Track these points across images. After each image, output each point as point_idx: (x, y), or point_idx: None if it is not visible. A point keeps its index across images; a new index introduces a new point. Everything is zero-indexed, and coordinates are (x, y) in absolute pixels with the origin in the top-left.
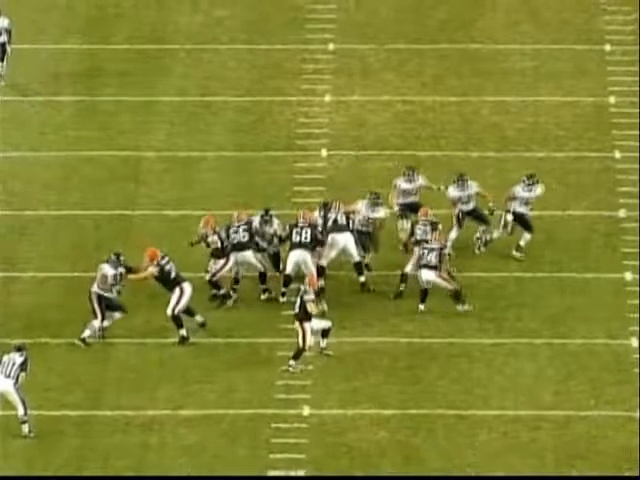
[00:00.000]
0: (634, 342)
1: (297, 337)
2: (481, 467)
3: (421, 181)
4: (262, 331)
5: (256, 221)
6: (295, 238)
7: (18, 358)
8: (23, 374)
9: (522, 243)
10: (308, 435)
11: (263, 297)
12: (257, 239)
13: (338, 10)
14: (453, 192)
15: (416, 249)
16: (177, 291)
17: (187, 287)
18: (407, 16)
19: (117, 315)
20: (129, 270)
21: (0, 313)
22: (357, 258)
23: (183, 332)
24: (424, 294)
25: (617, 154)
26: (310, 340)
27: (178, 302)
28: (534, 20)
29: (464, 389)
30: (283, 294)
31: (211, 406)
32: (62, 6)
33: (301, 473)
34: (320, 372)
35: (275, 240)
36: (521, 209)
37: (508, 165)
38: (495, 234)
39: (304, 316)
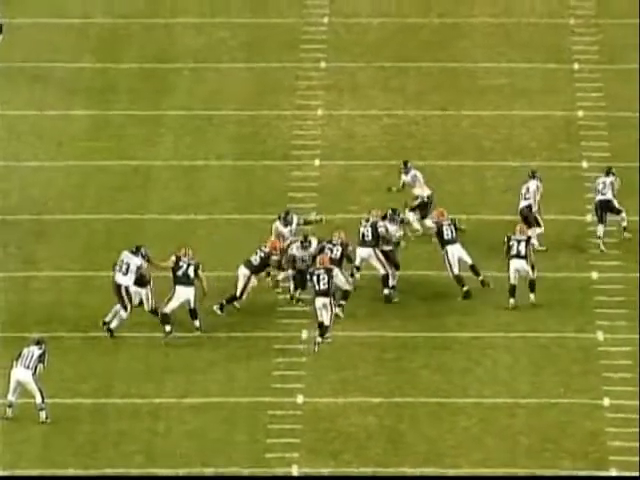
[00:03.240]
0: (600, 336)
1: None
2: (461, 450)
3: (414, 172)
4: (260, 326)
5: (294, 248)
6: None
7: (37, 351)
8: (41, 365)
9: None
10: (302, 421)
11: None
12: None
13: (329, 32)
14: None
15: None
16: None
17: (181, 291)
18: (392, 37)
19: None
20: (149, 261)
21: (20, 309)
22: (382, 271)
23: (168, 328)
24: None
25: (585, 164)
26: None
27: (168, 301)
28: (508, 41)
29: (445, 379)
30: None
31: (213, 394)
32: (77, 28)
33: (295, 455)
34: (313, 363)
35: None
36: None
37: (485, 173)
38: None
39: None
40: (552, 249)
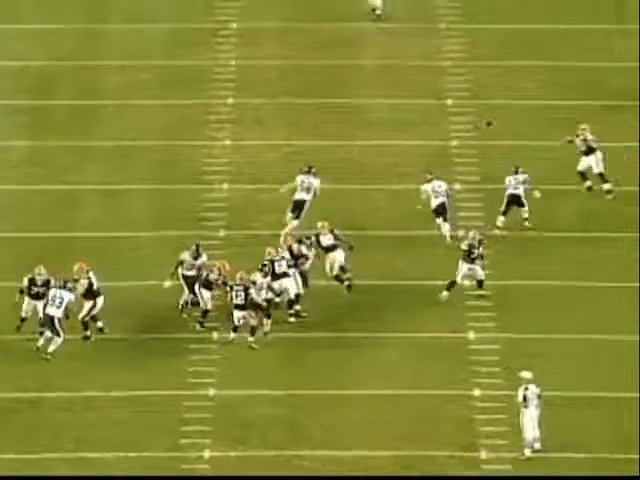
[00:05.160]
0: (470, 335)
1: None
2: (352, 435)
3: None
4: (176, 329)
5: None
6: (278, 269)
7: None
8: None
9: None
10: (213, 411)
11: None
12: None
13: (236, 72)
14: None
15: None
16: (91, 302)
17: (100, 301)
18: (291, 77)
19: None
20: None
21: None
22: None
23: (87, 333)
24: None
25: (457, 186)
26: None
27: (89, 311)
28: (391, 81)
29: (338, 374)
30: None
31: (135, 388)
32: (16, 69)
33: (207, 441)
34: (222, 361)
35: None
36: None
37: (372, 195)
38: None
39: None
40: (428, 260)
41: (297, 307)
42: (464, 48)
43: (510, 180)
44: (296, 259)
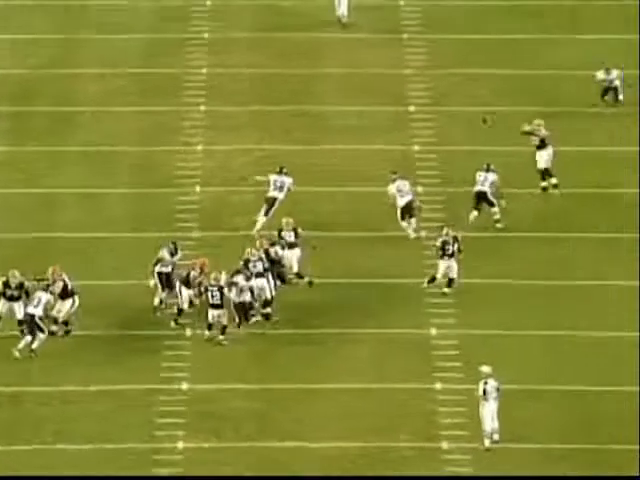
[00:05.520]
0: (433, 331)
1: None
2: (320, 427)
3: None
4: (152, 327)
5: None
6: (253, 269)
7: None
8: None
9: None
10: (187, 404)
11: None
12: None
13: (207, 80)
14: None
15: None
16: (70, 300)
17: (77, 299)
18: (262, 85)
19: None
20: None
21: None
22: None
23: (69, 327)
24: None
25: (420, 189)
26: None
27: (69, 309)
28: (357, 88)
29: (308, 369)
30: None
31: (113, 383)
32: None
33: (181, 433)
34: (196, 357)
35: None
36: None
37: (339, 197)
38: None
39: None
40: (390, 258)
41: (268, 310)
42: (425, 57)
43: (480, 176)
44: (272, 263)
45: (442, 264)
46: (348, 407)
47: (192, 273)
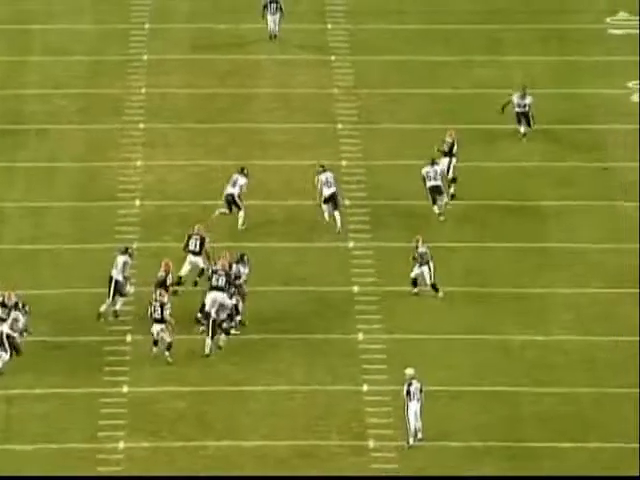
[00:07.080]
0: (360, 336)
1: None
2: (252, 427)
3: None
4: (94, 333)
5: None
6: (214, 282)
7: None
8: None
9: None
10: (127, 406)
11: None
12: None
13: (146, 100)
14: None
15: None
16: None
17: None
18: (196, 104)
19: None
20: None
21: None
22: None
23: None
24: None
25: (347, 202)
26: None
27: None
28: (287, 107)
29: (240, 372)
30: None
31: (56, 386)
32: None
33: (121, 433)
34: (135, 361)
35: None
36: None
37: (271, 210)
38: None
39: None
40: (324, 269)
41: (232, 322)
42: (351, 78)
43: (428, 172)
44: (235, 278)
45: (415, 269)
46: (280, 407)
47: (160, 274)
